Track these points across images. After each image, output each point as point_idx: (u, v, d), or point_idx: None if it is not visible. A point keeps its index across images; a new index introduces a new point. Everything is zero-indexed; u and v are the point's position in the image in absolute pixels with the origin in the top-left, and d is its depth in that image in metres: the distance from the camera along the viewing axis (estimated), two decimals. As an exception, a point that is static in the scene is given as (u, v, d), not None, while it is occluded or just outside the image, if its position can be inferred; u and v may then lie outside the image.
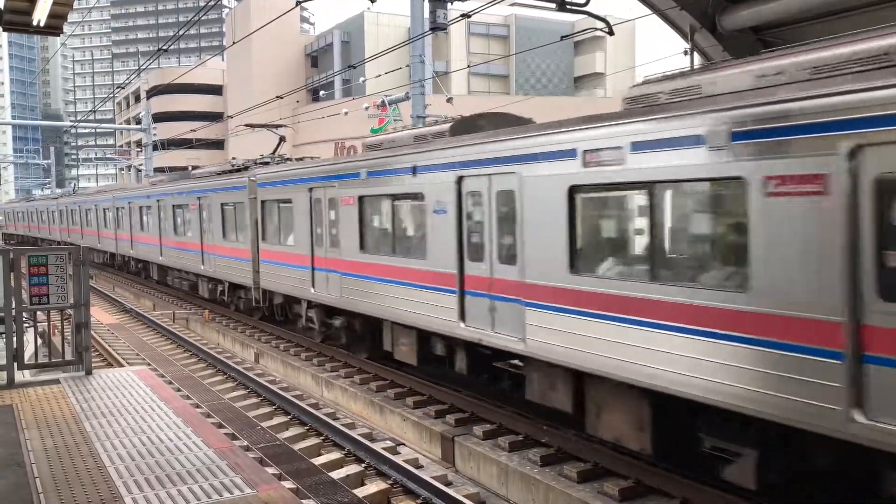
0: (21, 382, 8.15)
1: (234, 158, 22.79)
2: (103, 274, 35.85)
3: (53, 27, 8.32)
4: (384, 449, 10.01)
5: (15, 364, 8.16)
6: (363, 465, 9.66)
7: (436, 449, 10.45)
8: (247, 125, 22.84)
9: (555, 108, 34.58)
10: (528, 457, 9.22)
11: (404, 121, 25.86)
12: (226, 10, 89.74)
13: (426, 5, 13.54)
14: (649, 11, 14.77)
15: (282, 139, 22.51)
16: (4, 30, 8.76)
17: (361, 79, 39.14)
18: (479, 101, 49.14)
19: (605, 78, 62.27)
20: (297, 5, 13.63)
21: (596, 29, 14.21)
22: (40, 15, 7.71)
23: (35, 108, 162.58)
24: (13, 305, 8.15)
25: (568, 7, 12.53)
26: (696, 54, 15.09)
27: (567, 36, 16.58)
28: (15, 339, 8.18)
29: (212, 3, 15.71)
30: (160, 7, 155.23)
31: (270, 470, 8.95)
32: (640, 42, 78.99)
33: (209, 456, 5.76)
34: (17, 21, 8.12)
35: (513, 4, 14.83)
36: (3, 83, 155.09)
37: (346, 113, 30.59)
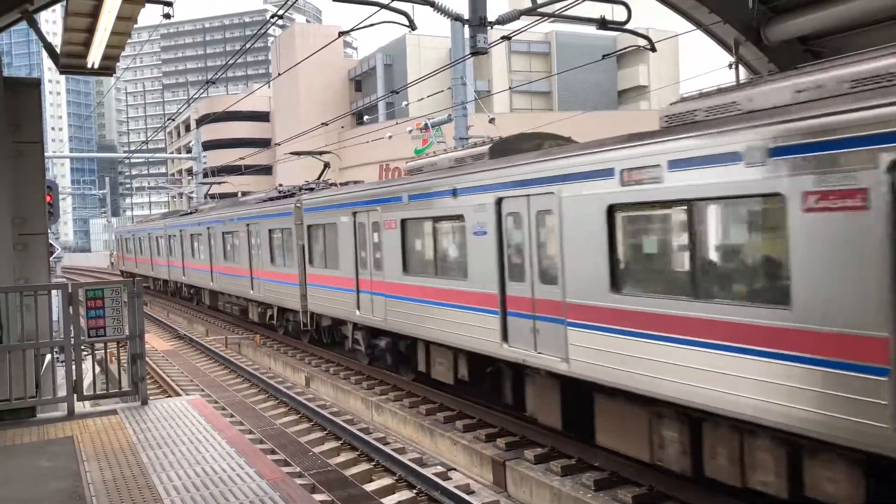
0: (80, 413, 8.35)
1: (280, 185, 22.94)
2: (157, 300, 36.66)
3: (107, 68, 8.65)
4: (435, 474, 9.98)
5: (75, 395, 8.38)
6: (415, 491, 9.65)
7: (487, 473, 10.38)
8: (292, 153, 23.25)
9: (600, 123, 34.39)
10: (582, 481, 9.09)
11: (447, 142, 25.97)
12: (271, 39, 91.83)
13: (466, 29, 13.67)
14: (693, 27, 14.63)
15: (327, 165, 22.79)
16: (61, 72, 9.14)
17: (405, 103, 39.53)
18: (522, 119, 49.18)
19: (649, 91, 61.74)
20: (339, 36, 13.87)
21: (638, 46, 14.11)
22: (94, 58, 8.02)
23: (91, 139, 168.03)
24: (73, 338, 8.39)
25: (609, 26, 12.51)
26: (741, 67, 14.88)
27: (609, 54, 16.51)
28: (74, 370, 8.41)
29: (260, 32, 16.10)
30: (208, 38, 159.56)
31: (322, 497, 9.02)
32: (685, 52, 78.08)
33: (262, 487, 5.82)
34: (73, 64, 8.48)
35: (553, 21, 14.85)
36: (61, 117, 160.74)
37: (390, 137, 30.94)
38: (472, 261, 10.95)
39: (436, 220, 12.11)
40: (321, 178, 21.88)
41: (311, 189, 19.99)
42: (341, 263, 15.77)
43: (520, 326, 10.00)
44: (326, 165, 22.69)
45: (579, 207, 8.81)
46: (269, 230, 20.38)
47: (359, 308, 14.92)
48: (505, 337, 10.30)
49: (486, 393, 12.23)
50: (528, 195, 9.69)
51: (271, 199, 21.64)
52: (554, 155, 9.47)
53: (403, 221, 13.03)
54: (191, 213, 32.37)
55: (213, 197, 44.15)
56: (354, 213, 14.90)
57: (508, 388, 11.07)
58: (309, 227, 17.73)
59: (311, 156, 22.13)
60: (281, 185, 22.94)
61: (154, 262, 36.76)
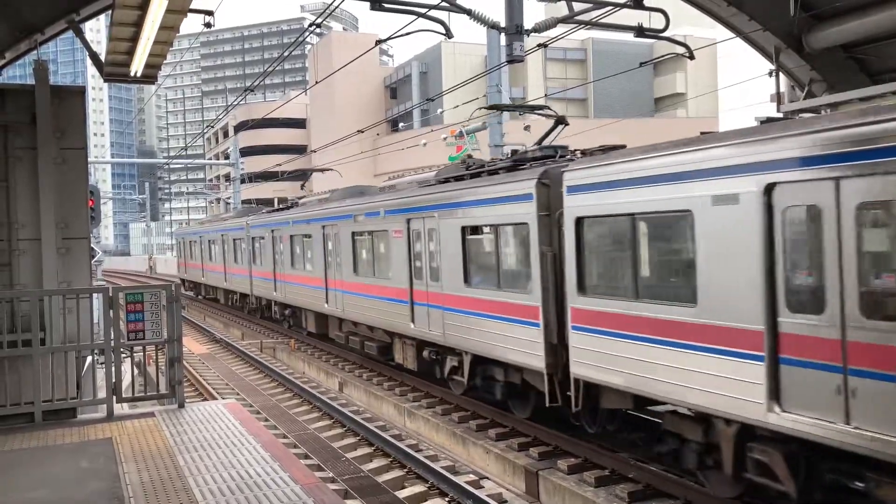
0: (119, 415, 8.50)
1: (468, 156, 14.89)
2: (194, 304, 37.20)
3: (149, 76, 8.85)
4: (467, 483, 9.96)
5: (114, 397, 8.53)
6: (447, 499, 9.64)
7: (519, 483, 10.33)
8: (493, 106, 16.34)
9: (637, 131, 34.18)
10: (616, 493, 9.00)
11: (481, 149, 26.00)
12: (308, 47, 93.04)
13: (503, 37, 13.67)
14: (732, 35, 14.45)
15: (560, 121, 13.02)
16: (106, 80, 9.37)
17: (439, 110, 39.67)
18: (558, 127, 48.86)
19: (686, 99, 61.15)
20: (376, 45, 13.98)
21: (676, 54, 13.98)
22: (137, 66, 8.21)
23: (132, 145, 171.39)
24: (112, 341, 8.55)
25: (647, 34, 12.42)
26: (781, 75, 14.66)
27: (646, 62, 16.38)
28: (114, 372, 8.56)
29: (297, 41, 16.30)
30: (246, 46, 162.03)
31: (355, 503, 9.04)
32: (730, 59, 76.84)
33: (296, 492, 5.86)
34: (117, 72, 8.70)
35: (589, 29, 14.80)
36: (103, 123, 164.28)
37: (424, 144, 31.07)
38: None
39: None
40: (543, 142, 12.87)
41: (552, 156, 11.73)
42: (710, 295, 7.56)
43: None
44: (559, 121, 13.06)
45: None
46: (463, 228, 12.48)
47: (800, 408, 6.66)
48: None
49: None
50: None
51: (458, 177, 13.38)
52: None
53: None
54: (285, 207, 24.59)
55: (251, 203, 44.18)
56: (770, 187, 6.80)
57: None
58: (579, 220, 9.56)
59: (532, 111, 15.07)
60: (470, 157, 14.61)
61: (228, 271, 28.75)
